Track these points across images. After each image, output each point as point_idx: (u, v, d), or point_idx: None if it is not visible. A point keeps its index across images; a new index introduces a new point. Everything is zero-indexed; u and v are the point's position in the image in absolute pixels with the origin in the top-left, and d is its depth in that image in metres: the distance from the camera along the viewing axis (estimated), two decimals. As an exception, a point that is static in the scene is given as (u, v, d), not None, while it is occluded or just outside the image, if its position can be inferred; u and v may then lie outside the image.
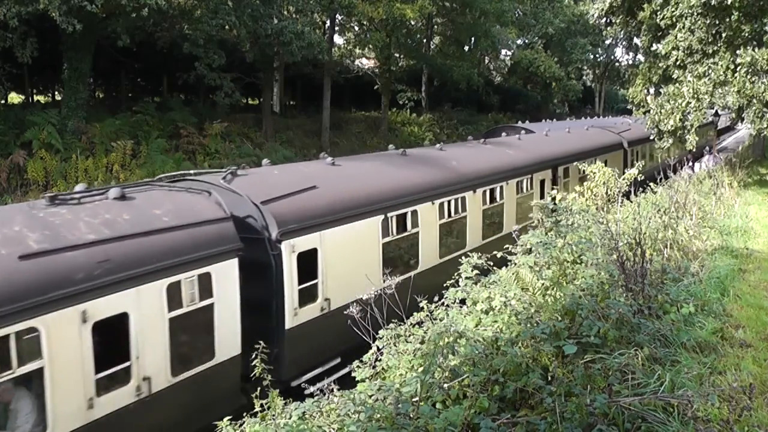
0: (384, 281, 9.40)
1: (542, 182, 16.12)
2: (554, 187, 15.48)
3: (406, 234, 10.79)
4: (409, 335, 6.51)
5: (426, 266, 11.24)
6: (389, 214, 10.27)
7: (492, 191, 13.68)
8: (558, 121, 32.36)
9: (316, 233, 8.78)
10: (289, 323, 8.36)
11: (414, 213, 10.96)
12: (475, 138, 21.98)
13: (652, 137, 21.32)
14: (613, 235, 8.72)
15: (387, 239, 10.23)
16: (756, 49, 17.34)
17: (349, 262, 9.38)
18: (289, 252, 8.31)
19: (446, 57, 42.84)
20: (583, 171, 16.99)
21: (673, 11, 19.36)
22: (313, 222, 8.77)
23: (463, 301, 7.50)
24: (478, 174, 13.27)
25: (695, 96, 18.86)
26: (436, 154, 13.72)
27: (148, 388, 6.62)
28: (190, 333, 7.18)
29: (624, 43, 47.07)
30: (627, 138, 23.78)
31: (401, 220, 10.66)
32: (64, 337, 5.88)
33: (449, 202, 12.02)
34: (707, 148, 30.90)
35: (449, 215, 12.02)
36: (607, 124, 26.69)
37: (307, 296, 8.65)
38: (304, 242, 8.59)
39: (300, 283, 8.47)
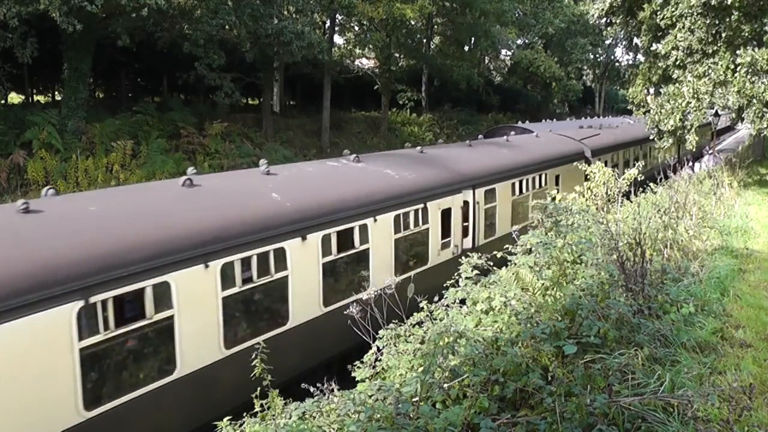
0: (86, 413, 6.02)
1: (446, 212, 11.88)
2: (465, 218, 12.61)
3: (143, 323, 6.53)
4: (409, 335, 6.52)
5: (190, 369, 7.00)
6: (96, 297, 6.01)
7: (342, 234, 9.14)
8: (558, 122, 32.40)
9: None
10: None
11: (161, 287, 6.64)
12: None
13: (651, 137, 21.31)
14: (613, 235, 8.72)
15: (93, 340, 6.06)
16: (756, 49, 17.36)
17: None
18: None
19: (446, 57, 42.93)
20: (520, 192, 14.98)
21: (673, 11, 19.40)
22: None
23: (463, 301, 7.50)
24: (315, 210, 8.71)
25: (695, 96, 18.89)
26: (253, 180, 9.19)
27: None
28: None
29: (624, 43, 47.06)
30: (591, 146, 19.70)
31: (132, 301, 6.50)
32: None
33: (246, 260, 7.61)
34: (706, 147, 30.89)
35: (246, 281, 7.64)
36: (571, 127, 23.84)
37: None
38: None
39: None
